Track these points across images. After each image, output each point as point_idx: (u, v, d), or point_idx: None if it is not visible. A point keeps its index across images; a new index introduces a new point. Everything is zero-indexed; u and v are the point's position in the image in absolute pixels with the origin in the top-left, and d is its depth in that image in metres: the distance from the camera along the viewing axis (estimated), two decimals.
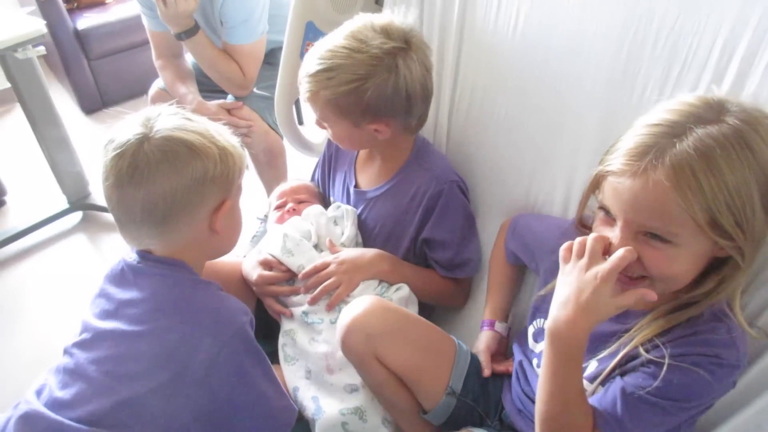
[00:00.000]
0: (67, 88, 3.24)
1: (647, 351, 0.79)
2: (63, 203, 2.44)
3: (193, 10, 1.77)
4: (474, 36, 1.23)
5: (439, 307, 1.35)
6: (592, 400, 0.82)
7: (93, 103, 3.19)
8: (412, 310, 1.19)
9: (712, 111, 0.72)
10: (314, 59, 1.08)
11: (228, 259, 1.26)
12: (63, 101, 3.22)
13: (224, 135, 0.92)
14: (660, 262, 0.74)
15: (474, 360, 1.07)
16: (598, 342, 0.86)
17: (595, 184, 0.81)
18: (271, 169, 2.10)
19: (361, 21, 1.10)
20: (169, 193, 0.85)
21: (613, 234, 0.77)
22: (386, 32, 1.07)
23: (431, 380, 1.01)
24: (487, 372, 1.06)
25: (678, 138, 0.70)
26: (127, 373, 0.84)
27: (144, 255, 0.92)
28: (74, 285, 2.13)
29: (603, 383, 0.85)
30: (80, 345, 0.90)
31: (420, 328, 1.05)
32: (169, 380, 0.83)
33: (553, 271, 0.95)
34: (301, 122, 2.76)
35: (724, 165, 0.68)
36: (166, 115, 0.89)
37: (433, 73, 1.26)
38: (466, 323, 1.26)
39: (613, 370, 0.83)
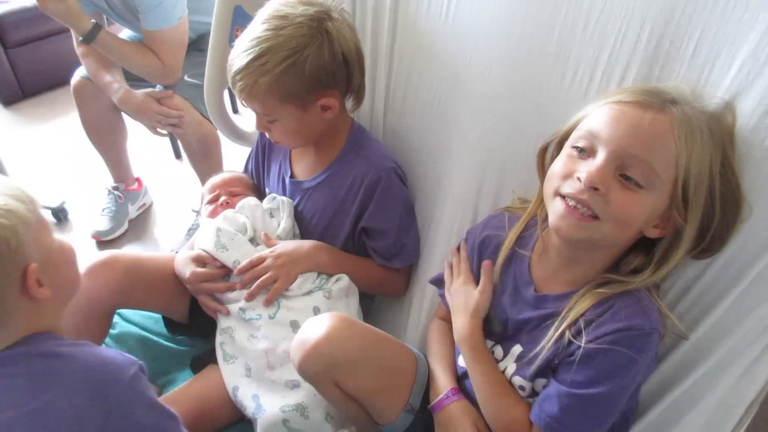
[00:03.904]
0: None
1: (573, 336, 0.80)
2: None
3: (67, 11, 1.70)
4: (408, 21, 1.21)
5: (380, 297, 1.34)
6: (533, 412, 0.84)
7: (12, 93, 3.02)
8: (353, 300, 1.17)
9: (693, 96, 0.78)
10: (240, 54, 1.04)
11: (159, 256, 1.21)
12: None
13: None
14: (627, 204, 0.75)
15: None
16: (521, 328, 0.90)
17: (569, 130, 0.84)
18: (206, 159, 2.05)
19: (273, 3, 1.07)
20: None
21: (586, 167, 0.76)
22: (304, 1, 1.05)
23: (390, 400, 0.98)
24: None
25: (686, 104, 0.76)
26: None
27: None
28: None
29: (537, 375, 0.87)
30: None
31: (382, 346, 1.00)
32: None
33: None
34: (236, 110, 2.69)
35: (705, 142, 0.75)
36: None
37: (368, 58, 1.25)
38: (406, 311, 1.25)
39: (548, 356, 0.84)
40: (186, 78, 1.94)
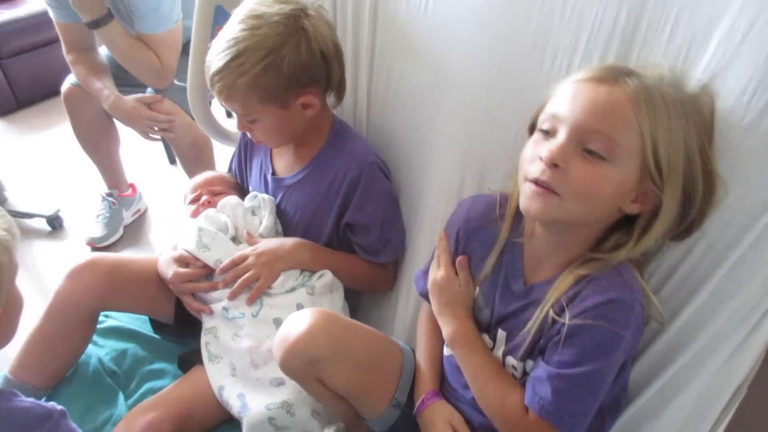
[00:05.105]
0: None
1: (557, 314, 0.80)
2: None
3: None
4: (388, 15, 1.20)
5: (368, 292, 1.33)
6: (527, 397, 0.83)
7: (6, 104, 3.03)
8: (337, 296, 1.16)
9: (656, 76, 0.78)
10: (217, 55, 1.04)
11: (142, 258, 1.20)
12: None
13: None
14: (587, 177, 0.74)
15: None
16: (506, 318, 0.90)
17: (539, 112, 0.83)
18: (198, 162, 2.04)
19: (249, 2, 1.07)
20: None
21: (549, 146, 0.76)
22: (279, 0, 1.05)
23: (375, 395, 0.97)
24: None
25: (644, 76, 0.76)
26: None
27: None
28: None
29: (528, 356, 0.86)
30: None
31: (366, 341, 0.99)
32: None
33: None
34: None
35: (671, 112, 0.74)
36: None
37: (349, 54, 1.24)
38: (394, 306, 1.25)
39: (535, 337, 0.84)
40: (175, 82, 1.94)
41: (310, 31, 1.05)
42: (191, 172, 2.08)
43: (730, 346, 0.83)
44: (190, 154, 2.04)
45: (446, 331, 0.93)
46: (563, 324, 0.78)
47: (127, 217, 2.31)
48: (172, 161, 2.61)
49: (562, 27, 0.95)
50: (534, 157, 0.79)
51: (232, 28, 1.04)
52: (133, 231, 2.30)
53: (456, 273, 0.96)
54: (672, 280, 0.86)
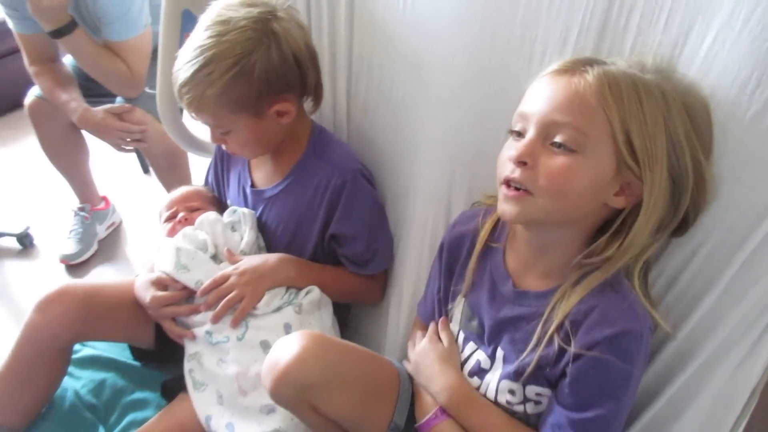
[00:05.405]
0: None
1: (563, 341, 0.77)
2: None
3: (66, 3, 1.61)
4: (365, 12, 1.15)
5: (357, 305, 1.28)
6: None
7: None
8: (325, 312, 1.11)
9: (635, 64, 0.77)
10: (184, 65, 0.99)
11: (117, 282, 1.14)
12: None
13: None
14: (556, 171, 0.72)
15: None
16: (502, 329, 0.86)
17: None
18: (173, 172, 1.99)
19: (215, 7, 1.01)
20: None
21: (517, 145, 0.75)
22: (247, 2, 1.00)
23: (372, 420, 0.93)
24: None
25: (610, 64, 0.76)
26: None
27: None
28: None
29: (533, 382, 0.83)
30: None
31: (359, 364, 0.95)
32: None
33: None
34: None
35: (644, 97, 0.72)
36: None
37: (326, 56, 1.19)
38: (385, 318, 1.20)
39: (539, 363, 0.80)
40: (146, 90, 1.87)
41: (281, 34, 0.99)
42: (166, 183, 2.03)
43: (740, 351, 0.80)
44: (165, 164, 1.99)
45: (442, 396, 0.90)
46: (571, 355, 0.75)
47: (101, 231, 2.23)
48: (146, 170, 2.54)
49: (551, 19, 0.90)
50: (506, 159, 0.77)
51: (199, 36, 0.99)
52: (108, 245, 2.23)
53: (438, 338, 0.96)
54: (678, 285, 0.82)
